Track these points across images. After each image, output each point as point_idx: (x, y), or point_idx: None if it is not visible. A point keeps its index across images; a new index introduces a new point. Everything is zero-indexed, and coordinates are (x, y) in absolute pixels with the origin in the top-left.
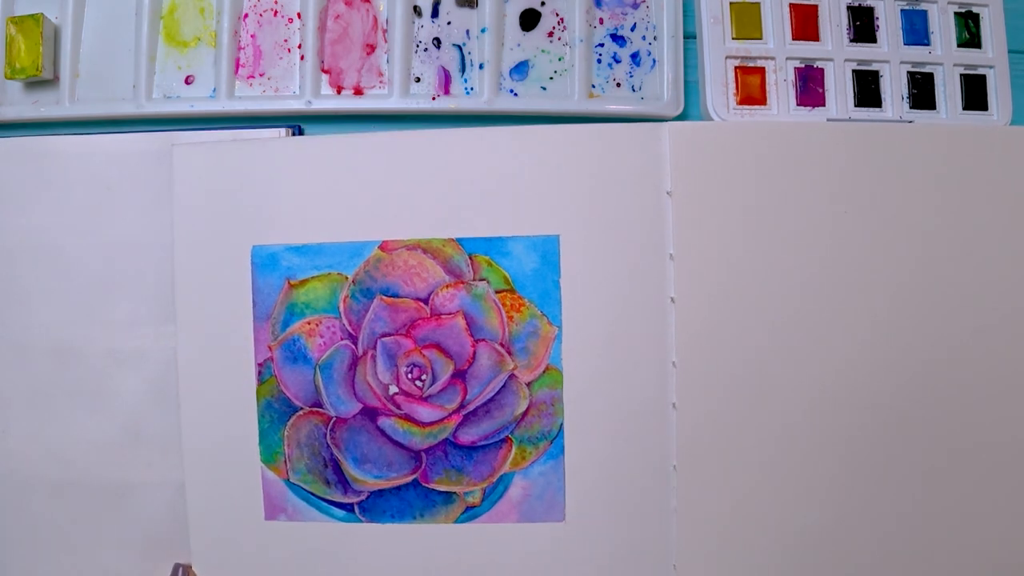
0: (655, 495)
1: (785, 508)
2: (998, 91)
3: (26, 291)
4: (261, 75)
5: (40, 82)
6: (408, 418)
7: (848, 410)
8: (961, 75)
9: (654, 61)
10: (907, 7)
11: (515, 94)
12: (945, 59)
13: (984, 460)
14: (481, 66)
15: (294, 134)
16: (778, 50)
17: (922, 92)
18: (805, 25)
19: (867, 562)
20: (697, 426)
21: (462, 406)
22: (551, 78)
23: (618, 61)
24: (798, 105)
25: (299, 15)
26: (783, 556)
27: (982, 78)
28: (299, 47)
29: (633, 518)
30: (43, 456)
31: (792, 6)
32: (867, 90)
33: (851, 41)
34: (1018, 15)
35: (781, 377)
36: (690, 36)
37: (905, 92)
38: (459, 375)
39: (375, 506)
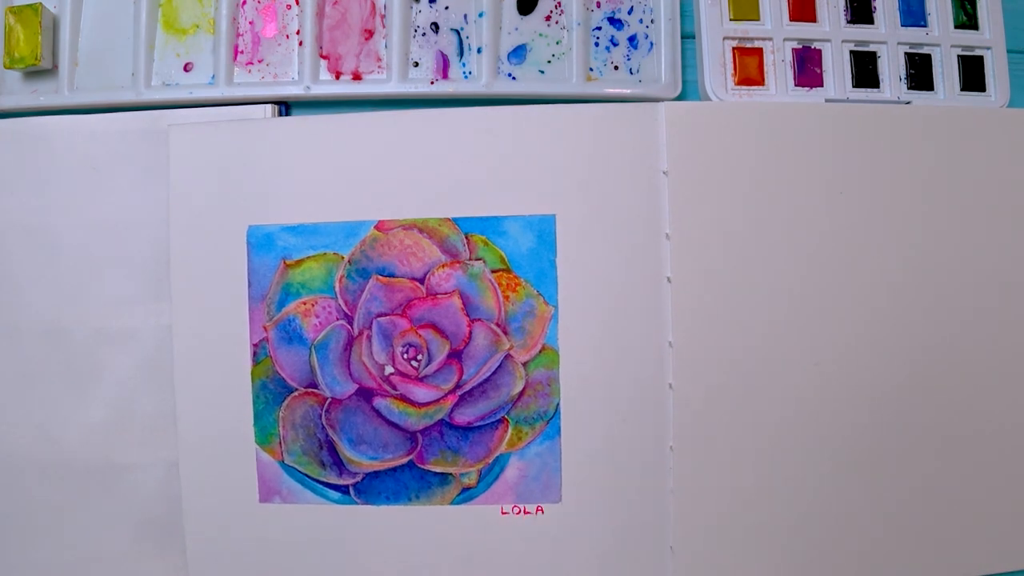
0: (652, 476)
1: (783, 489)
2: (995, 72)
3: (14, 272)
4: (260, 61)
5: (39, 71)
6: (404, 399)
7: (845, 390)
8: (959, 56)
9: (651, 44)
10: None
11: (513, 78)
12: (942, 40)
13: (982, 433)
14: (479, 50)
15: (281, 111)
16: (776, 31)
17: (920, 73)
18: (803, 6)
19: (865, 543)
20: (694, 407)
21: (458, 386)
22: (549, 61)
23: (616, 44)
24: (796, 86)
25: (297, 1)
26: (781, 537)
27: (979, 59)
28: (298, 33)
29: (630, 499)
30: (34, 437)
31: None
32: (865, 71)
33: (848, 22)
34: (1018, 15)
35: (778, 357)
36: (687, 18)
37: (903, 73)
38: (455, 355)
39: (370, 488)
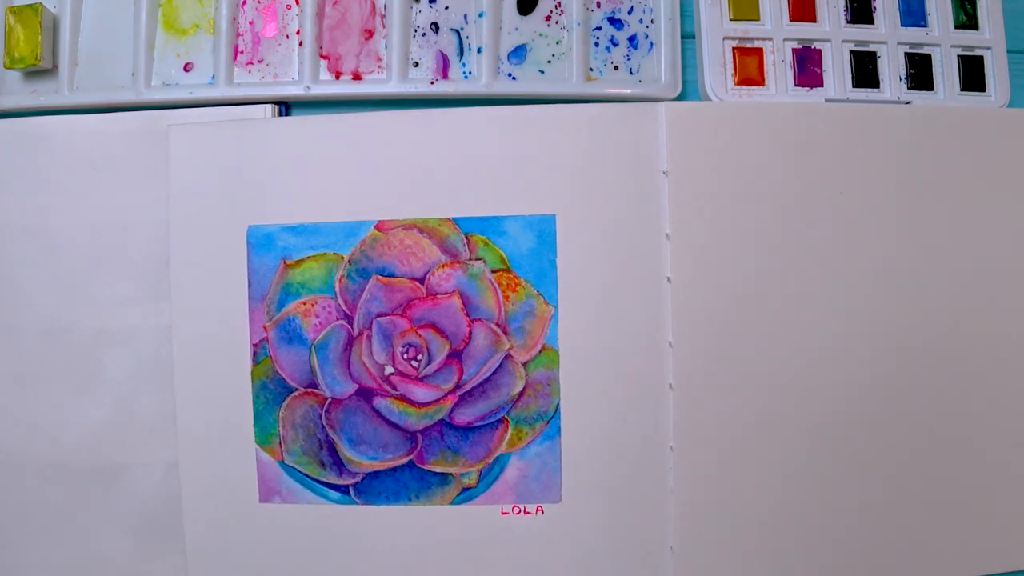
0: (652, 476)
1: (783, 489)
2: (995, 72)
3: (14, 272)
4: (260, 61)
5: (39, 71)
6: (404, 399)
7: (844, 389)
8: (958, 56)
9: (651, 44)
10: None
11: (513, 78)
12: (942, 40)
13: (984, 434)
14: (479, 50)
15: (281, 111)
16: (776, 31)
17: (920, 73)
18: (803, 6)
19: (865, 543)
20: (694, 406)
21: (458, 386)
22: (549, 61)
23: (616, 44)
24: (796, 86)
25: (297, 1)
26: (781, 537)
27: (979, 59)
28: (298, 33)
29: (630, 499)
30: (33, 437)
31: None
32: (865, 71)
33: (848, 22)
34: (1018, 15)
35: (777, 357)
36: (687, 18)
37: (903, 73)
38: (455, 355)
39: (370, 488)
